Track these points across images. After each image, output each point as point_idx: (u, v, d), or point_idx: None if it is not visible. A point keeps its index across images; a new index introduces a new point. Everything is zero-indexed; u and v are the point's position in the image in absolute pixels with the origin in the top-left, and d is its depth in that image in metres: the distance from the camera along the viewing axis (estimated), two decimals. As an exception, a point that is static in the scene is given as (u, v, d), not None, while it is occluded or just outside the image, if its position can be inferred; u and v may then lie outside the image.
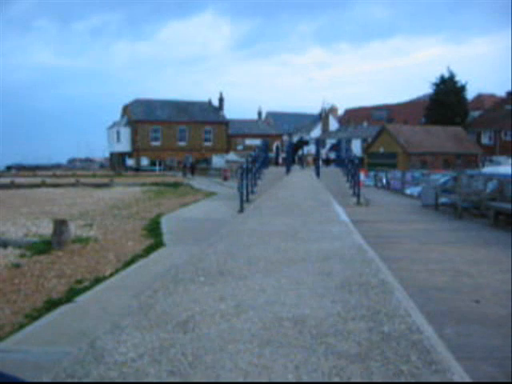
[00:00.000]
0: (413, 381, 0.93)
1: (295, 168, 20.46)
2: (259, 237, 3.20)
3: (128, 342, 1.15)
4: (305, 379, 0.94)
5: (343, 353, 1.07)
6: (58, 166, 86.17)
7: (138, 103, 52.57)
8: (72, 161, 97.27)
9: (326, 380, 0.94)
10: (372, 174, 30.61)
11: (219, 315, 1.32)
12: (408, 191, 21.64)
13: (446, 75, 51.17)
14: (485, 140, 48.22)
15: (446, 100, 49.37)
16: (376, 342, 1.12)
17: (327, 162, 31.15)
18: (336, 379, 0.94)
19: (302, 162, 24.40)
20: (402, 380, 0.93)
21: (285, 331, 1.19)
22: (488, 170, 20.18)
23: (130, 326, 1.27)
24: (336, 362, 1.03)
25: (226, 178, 32.07)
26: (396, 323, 1.24)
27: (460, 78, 50.43)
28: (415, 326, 1.24)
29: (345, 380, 0.94)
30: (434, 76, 67.99)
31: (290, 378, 0.94)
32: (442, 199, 14.24)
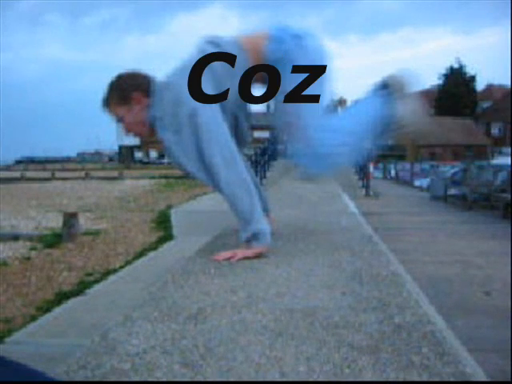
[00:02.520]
0: (424, 374, 0.93)
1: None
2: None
3: (139, 334, 1.16)
4: (316, 371, 0.94)
5: (354, 344, 1.08)
6: (67, 160, 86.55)
7: (146, 96, 52.50)
8: (81, 154, 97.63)
9: (338, 371, 0.94)
10: (381, 165, 30.50)
11: (230, 307, 1.33)
12: (417, 183, 21.54)
13: (455, 66, 50.73)
14: (494, 131, 47.84)
15: (455, 91, 48.99)
16: (387, 334, 1.12)
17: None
18: (347, 371, 0.94)
19: None
20: (414, 372, 0.93)
21: (295, 323, 1.20)
22: (497, 161, 20.03)
23: (141, 318, 1.28)
24: (347, 353, 1.03)
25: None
26: (407, 315, 1.24)
27: (469, 69, 50.11)
28: (426, 317, 1.24)
29: (356, 371, 0.94)
30: (442, 67, 67.58)
31: (302, 370, 0.95)
32: (451, 191, 14.15)
